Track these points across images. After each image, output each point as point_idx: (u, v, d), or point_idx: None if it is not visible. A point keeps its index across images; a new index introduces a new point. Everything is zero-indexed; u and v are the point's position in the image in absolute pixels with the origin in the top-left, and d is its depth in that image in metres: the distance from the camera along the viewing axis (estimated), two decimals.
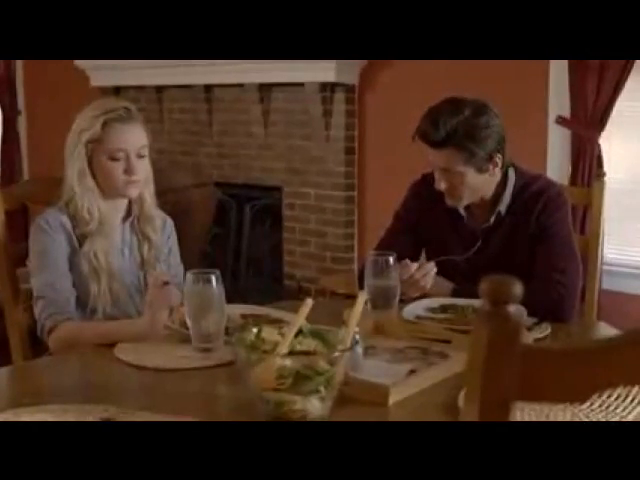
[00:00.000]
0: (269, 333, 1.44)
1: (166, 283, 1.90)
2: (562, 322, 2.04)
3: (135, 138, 2.03)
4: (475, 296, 2.12)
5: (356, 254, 4.31)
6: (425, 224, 2.31)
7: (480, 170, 2.13)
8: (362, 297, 1.47)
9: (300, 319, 1.39)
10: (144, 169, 2.06)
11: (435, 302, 2.09)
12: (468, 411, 0.75)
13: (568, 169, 3.52)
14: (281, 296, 4.24)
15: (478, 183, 2.15)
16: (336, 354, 1.38)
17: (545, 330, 1.92)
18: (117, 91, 5.03)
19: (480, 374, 0.73)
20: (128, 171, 2.01)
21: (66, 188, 2.03)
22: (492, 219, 2.21)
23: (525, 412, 1.39)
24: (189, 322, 1.75)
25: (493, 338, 0.71)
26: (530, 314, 1.96)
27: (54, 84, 5.46)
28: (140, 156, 2.04)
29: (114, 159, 2.01)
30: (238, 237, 4.72)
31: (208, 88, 4.70)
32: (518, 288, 0.73)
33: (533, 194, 2.19)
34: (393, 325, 1.89)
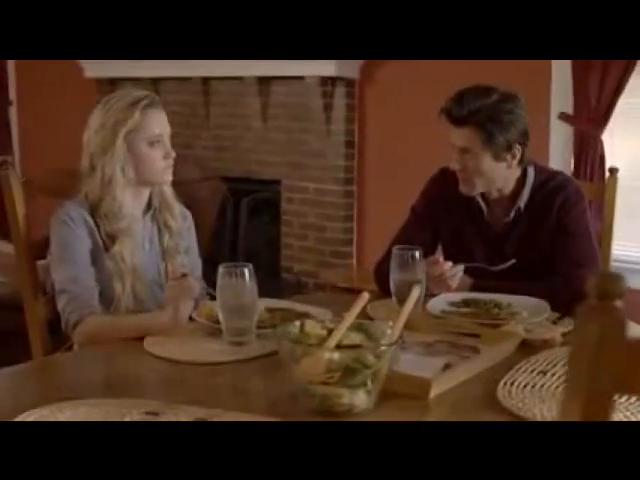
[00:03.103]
0: (312, 327, 1.44)
1: (184, 275, 1.89)
2: None
3: (166, 123, 2.05)
4: (494, 290, 2.14)
5: (355, 248, 4.32)
6: (444, 218, 2.31)
7: (497, 157, 2.14)
8: (416, 292, 1.47)
9: (355, 312, 1.38)
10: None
11: (456, 296, 2.10)
12: (570, 404, 0.76)
13: (571, 165, 3.55)
14: (279, 290, 4.23)
15: (492, 171, 2.17)
16: (383, 348, 1.38)
17: (569, 325, 1.94)
18: (112, 83, 4.97)
19: (587, 368, 0.73)
20: (167, 155, 2.02)
21: (101, 184, 1.99)
22: (512, 215, 2.23)
23: None
24: (221, 316, 1.75)
25: (603, 332, 0.72)
26: (553, 309, 1.99)
27: (47, 74, 5.38)
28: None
29: (153, 144, 2.01)
30: (234, 230, 4.71)
31: (206, 80, 4.67)
32: (624, 283, 0.74)
33: (552, 190, 2.22)
34: (420, 319, 1.89)
